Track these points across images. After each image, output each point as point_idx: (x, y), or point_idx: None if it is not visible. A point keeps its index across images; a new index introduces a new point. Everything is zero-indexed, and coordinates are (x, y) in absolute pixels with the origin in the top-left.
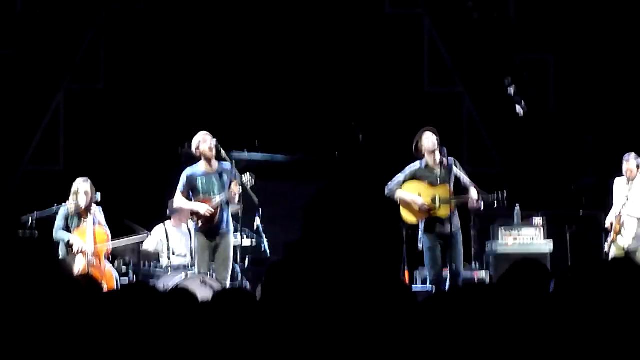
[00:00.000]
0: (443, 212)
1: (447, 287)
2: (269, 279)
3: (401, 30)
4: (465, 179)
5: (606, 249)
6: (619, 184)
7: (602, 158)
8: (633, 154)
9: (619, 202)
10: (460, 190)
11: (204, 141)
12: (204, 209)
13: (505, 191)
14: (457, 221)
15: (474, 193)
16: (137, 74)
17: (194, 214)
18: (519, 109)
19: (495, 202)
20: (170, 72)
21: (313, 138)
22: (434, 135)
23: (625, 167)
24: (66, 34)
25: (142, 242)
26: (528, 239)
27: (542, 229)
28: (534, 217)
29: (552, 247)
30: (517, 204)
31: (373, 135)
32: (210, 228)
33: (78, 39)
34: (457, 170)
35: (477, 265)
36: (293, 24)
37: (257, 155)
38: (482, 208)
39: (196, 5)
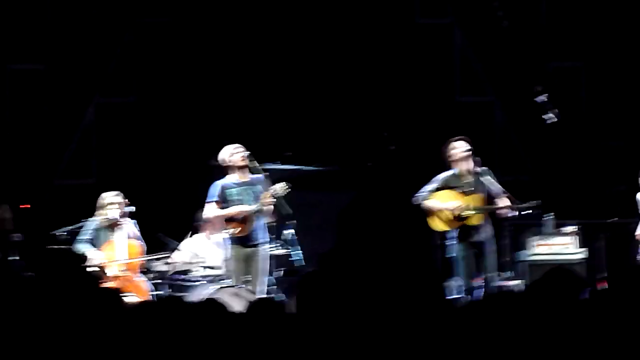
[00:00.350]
0: (476, 220)
1: (480, 295)
2: (303, 290)
3: (432, 39)
4: (497, 187)
5: None
6: None
7: (635, 165)
8: None
9: None
10: (492, 199)
11: (235, 152)
12: (236, 210)
13: (538, 200)
14: (489, 229)
15: (505, 202)
16: (169, 87)
17: (228, 221)
18: (550, 116)
19: (528, 211)
20: (201, 84)
21: (346, 148)
22: (465, 144)
23: None
24: (96, 48)
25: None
26: (561, 247)
27: (575, 237)
28: (567, 226)
29: (586, 256)
30: (550, 213)
31: (405, 145)
32: (244, 237)
33: (108, 52)
34: (490, 179)
35: (511, 274)
36: (325, 35)
37: (290, 167)
38: (516, 216)
39: (225, 15)
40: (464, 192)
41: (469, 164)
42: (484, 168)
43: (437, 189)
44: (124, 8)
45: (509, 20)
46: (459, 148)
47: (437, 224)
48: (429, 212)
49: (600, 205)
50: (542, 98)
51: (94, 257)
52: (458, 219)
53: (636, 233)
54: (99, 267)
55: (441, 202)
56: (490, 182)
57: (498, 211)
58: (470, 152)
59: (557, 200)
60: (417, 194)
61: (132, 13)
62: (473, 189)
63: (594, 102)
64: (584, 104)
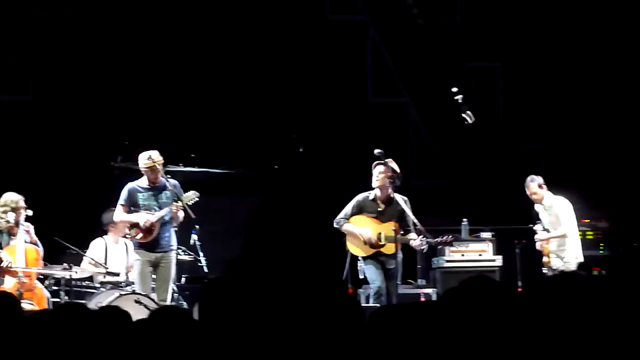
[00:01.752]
0: (388, 249)
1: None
2: (206, 296)
3: (344, 37)
4: (411, 218)
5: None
6: (538, 208)
7: (554, 169)
8: (530, 177)
9: (540, 226)
10: (405, 228)
11: (150, 168)
12: (142, 219)
13: (450, 235)
14: (400, 257)
15: (414, 236)
16: (68, 85)
17: (133, 226)
18: (466, 117)
19: (439, 246)
20: (102, 82)
21: (252, 151)
22: (387, 170)
23: (528, 192)
24: None
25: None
26: (476, 254)
27: (491, 243)
28: (482, 232)
29: (501, 263)
30: (465, 219)
31: (315, 147)
32: (149, 243)
33: (5, 49)
34: (406, 209)
35: (424, 282)
36: (230, 30)
37: (193, 170)
38: (425, 250)
39: (128, 13)
40: (378, 219)
41: (387, 190)
42: (403, 197)
43: (353, 213)
44: (22, 2)
45: (424, 18)
46: (382, 173)
47: (353, 248)
48: (347, 235)
49: (516, 212)
50: (458, 99)
51: (5, 258)
52: (371, 247)
53: (537, 245)
54: (6, 271)
55: (357, 227)
56: (405, 211)
57: (409, 244)
58: (391, 178)
59: (472, 206)
60: (336, 218)
61: (30, 7)
62: (388, 217)
63: (511, 103)
64: (500, 106)
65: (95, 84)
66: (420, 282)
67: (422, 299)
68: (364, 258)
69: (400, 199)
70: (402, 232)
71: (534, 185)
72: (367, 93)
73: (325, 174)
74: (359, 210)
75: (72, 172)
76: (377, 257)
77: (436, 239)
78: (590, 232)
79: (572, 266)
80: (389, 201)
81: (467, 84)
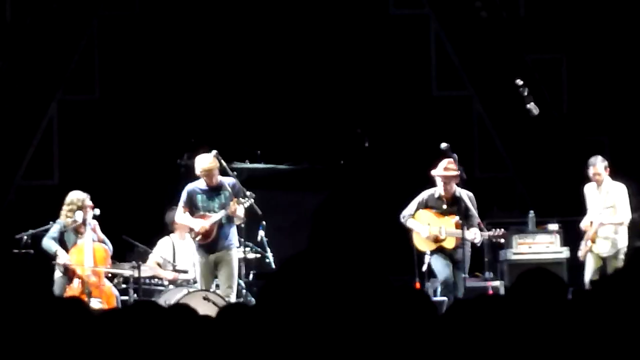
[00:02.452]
0: (448, 244)
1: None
2: (265, 292)
3: (407, 32)
4: (474, 215)
5: (580, 255)
6: (589, 189)
7: (620, 160)
8: (599, 157)
9: (592, 208)
10: (467, 224)
11: (203, 171)
12: (198, 225)
13: (502, 229)
14: (468, 250)
15: (471, 233)
16: (133, 83)
17: (191, 230)
18: (531, 107)
19: (493, 240)
20: (168, 80)
21: (318, 146)
22: (453, 165)
23: (591, 171)
24: (58, 43)
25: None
26: (543, 246)
27: (558, 235)
28: (549, 224)
29: (569, 255)
30: (532, 210)
31: (380, 141)
32: (207, 244)
33: (70, 47)
34: (470, 206)
35: (490, 275)
36: (295, 28)
37: (259, 166)
38: (479, 244)
39: (194, 10)
40: (440, 213)
41: (452, 187)
42: (468, 193)
43: (418, 208)
44: (87, 1)
45: (487, 10)
46: (446, 169)
47: (418, 243)
48: (411, 230)
49: (582, 203)
50: (522, 92)
51: (63, 257)
52: (434, 241)
53: (581, 225)
54: (66, 267)
55: (419, 223)
56: (469, 208)
57: (467, 238)
58: (456, 175)
59: (538, 198)
60: (402, 213)
61: (95, 5)
62: (449, 211)
63: (575, 94)
64: (565, 97)
65: (161, 82)
66: (488, 274)
67: (490, 292)
68: (430, 252)
69: (465, 195)
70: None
71: (601, 165)
72: (431, 87)
73: (390, 168)
74: (424, 206)
75: (138, 170)
76: (441, 251)
77: (489, 232)
78: None
79: (622, 254)
80: (454, 199)
81: (531, 76)
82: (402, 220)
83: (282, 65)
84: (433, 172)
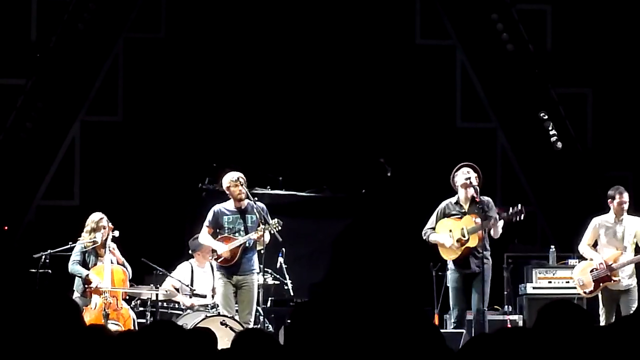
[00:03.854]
0: (472, 242)
1: (472, 329)
2: (294, 320)
3: (433, 62)
4: (494, 215)
5: (587, 292)
6: (604, 222)
7: None
8: (622, 188)
9: (606, 242)
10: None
11: (235, 185)
12: (221, 249)
13: (520, 205)
14: (488, 260)
15: (491, 223)
16: (157, 106)
17: (214, 251)
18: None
19: (513, 218)
20: (192, 104)
21: (340, 174)
22: (471, 171)
23: (618, 200)
24: (82, 63)
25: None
26: (563, 281)
27: None
28: (570, 259)
29: None
30: (552, 245)
31: (403, 171)
32: (229, 267)
33: (95, 68)
34: (490, 209)
35: (509, 309)
36: (322, 56)
37: (281, 192)
38: (500, 228)
39: (220, 34)
40: (460, 218)
41: (470, 191)
42: (485, 197)
43: (438, 220)
44: (111, 22)
45: (513, 43)
46: (463, 174)
47: (444, 254)
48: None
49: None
50: (547, 125)
51: (95, 280)
52: (459, 245)
53: (596, 261)
54: (85, 289)
55: (442, 232)
56: (489, 210)
57: (488, 228)
58: (469, 182)
59: (560, 232)
60: (424, 229)
61: (121, 28)
62: (469, 211)
63: (600, 129)
64: (590, 132)
65: (184, 106)
66: (507, 308)
67: (508, 326)
68: (452, 265)
69: (486, 200)
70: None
71: (627, 195)
72: (456, 118)
73: (412, 198)
74: (443, 215)
75: (160, 193)
76: (463, 265)
77: (507, 212)
78: None
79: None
80: (473, 200)
81: (556, 110)
82: (424, 236)
83: (307, 92)
84: (454, 179)
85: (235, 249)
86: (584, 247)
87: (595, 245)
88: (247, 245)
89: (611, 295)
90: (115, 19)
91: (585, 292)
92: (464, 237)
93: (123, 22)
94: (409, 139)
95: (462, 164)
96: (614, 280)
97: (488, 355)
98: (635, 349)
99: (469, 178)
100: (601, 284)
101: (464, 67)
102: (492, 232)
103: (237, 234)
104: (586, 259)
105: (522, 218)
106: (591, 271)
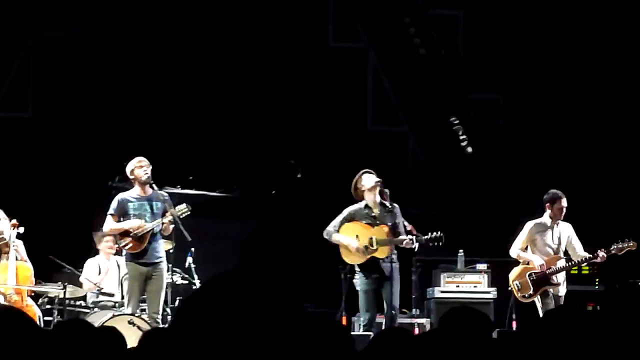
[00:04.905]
0: (381, 253)
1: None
2: (180, 316)
3: (345, 64)
4: (401, 221)
5: (525, 296)
6: (539, 227)
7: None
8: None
9: (543, 246)
10: (397, 232)
11: (139, 166)
12: (135, 224)
13: (440, 232)
14: (395, 263)
15: (404, 236)
16: (67, 103)
17: (123, 236)
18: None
19: (430, 243)
20: (103, 102)
21: (250, 175)
22: (373, 175)
23: (559, 205)
24: None
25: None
26: (471, 286)
27: (486, 275)
28: (478, 264)
29: (496, 295)
30: (461, 250)
31: (313, 173)
32: (140, 254)
33: (6, 64)
34: (397, 213)
35: (417, 312)
36: (234, 56)
37: (191, 192)
38: (416, 249)
39: (132, 33)
40: (369, 224)
41: (377, 196)
42: (393, 204)
43: (344, 222)
44: (25, 19)
45: (425, 47)
46: (368, 178)
47: (347, 257)
48: (339, 246)
49: (512, 244)
50: (457, 130)
51: None
52: (365, 253)
53: (537, 263)
54: None
55: (347, 235)
56: (397, 216)
57: (401, 244)
58: (379, 184)
59: (468, 237)
60: (326, 229)
61: (33, 24)
62: (379, 221)
63: (510, 135)
64: (500, 137)
65: (94, 103)
66: (415, 311)
67: (416, 329)
68: (359, 269)
69: (392, 205)
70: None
71: (566, 200)
72: (367, 121)
73: (322, 200)
74: (350, 218)
75: (69, 191)
76: (369, 268)
77: (426, 237)
78: (586, 267)
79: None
80: (382, 205)
81: (467, 115)
82: (326, 236)
83: (220, 92)
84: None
85: (145, 235)
86: (516, 250)
87: (526, 250)
88: (154, 231)
89: (551, 300)
90: (27, 15)
91: (524, 297)
92: (372, 246)
93: (35, 19)
94: (320, 141)
95: (363, 170)
96: (554, 283)
97: (387, 356)
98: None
99: (379, 181)
100: (541, 288)
101: (376, 70)
102: (401, 245)
103: (143, 220)
104: (519, 263)
105: (440, 245)
106: (529, 275)
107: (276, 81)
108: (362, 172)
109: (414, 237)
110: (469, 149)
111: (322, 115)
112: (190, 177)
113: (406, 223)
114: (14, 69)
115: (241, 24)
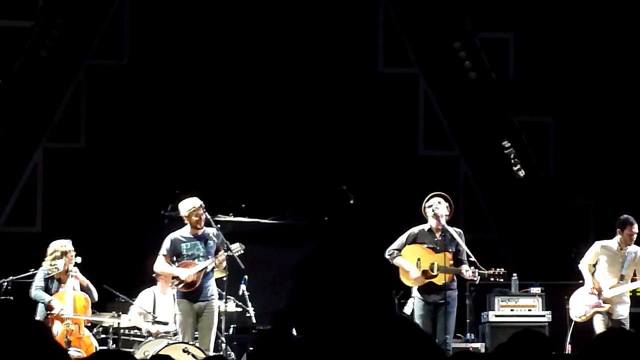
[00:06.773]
0: (440, 280)
1: None
2: (258, 348)
3: (396, 90)
4: (464, 250)
5: (584, 317)
6: (608, 249)
7: (603, 224)
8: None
9: (608, 269)
10: (458, 260)
11: (195, 213)
12: (184, 274)
13: (503, 269)
14: (454, 291)
15: (467, 267)
16: (119, 133)
17: (175, 278)
18: (518, 169)
19: (492, 279)
20: (154, 131)
21: (302, 201)
22: (445, 202)
23: (630, 231)
24: (45, 90)
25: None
26: (526, 309)
27: (540, 299)
28: (532, 287)
29: (550, 319)
30: (515, 273)
31: (365, 199)
32: (191, 293)
33: (57, 95)
34: (460, 240)
35: (472, 336)
36: (285, 84)
37: (243, 220)
38: (477, 282)
39: (183, 62)
40: (431, 249)
41: (442, 222)
42: (456, 229)
43: (407, 243)
44: (75, 49)
45: (476, 71)
46: (434, 205)
47: (405, 279)
48: (399, 267)
49: (567, 266)
50: (509, 153)
51: (58, 306)
52: (424, 277)
53: (597, 290)
54: (46, 316)
55: (409, 258)
56: (459, 243)
57: (462, 275)
58: (445, 210)
59: (521, 261)
60: (389, 249)
61: (83, 55)
62: (440, 247)
63: (561, 157)
64: (551, 160)
65: (147, 133)
66: (469, 336)
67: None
68: (418, 292)
69: (454, 231)
70: (452, 263)
71: (637, 227)
72: (418, 146)
73: (375, 226)
74: (413, 240)
75: (122, 220)
76: (427, 293)
77: (488, 271)
78: None
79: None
80: (445, 231)
81: (519, 138)
82: (388, 256)
83: (271, 120)
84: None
85: (198, 274)
86: (584, 266)
87: (594, 266)
88: (207, 270)
89: (606, 322)
90: (77, 46)
91: (577, 317)
92: (433, 272)
93: (85, 49)
94: (371, 167)
95: (433, 193)
96: (605, 307)
97: None
98: None
99: (435, 208)
100: (594, 310)
101: (427, 95)
102: (462, 276)
103: (196, 260)
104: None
105: (501, 281)
106: (584, 296)
107: (328, 108)
108: (433, 194)
109: (477, 270)
110: (521, 172)
111: (373, 140)
112: (243, 205)
113: (469, 252)
114: (66, 99)
115: (295, 51)
